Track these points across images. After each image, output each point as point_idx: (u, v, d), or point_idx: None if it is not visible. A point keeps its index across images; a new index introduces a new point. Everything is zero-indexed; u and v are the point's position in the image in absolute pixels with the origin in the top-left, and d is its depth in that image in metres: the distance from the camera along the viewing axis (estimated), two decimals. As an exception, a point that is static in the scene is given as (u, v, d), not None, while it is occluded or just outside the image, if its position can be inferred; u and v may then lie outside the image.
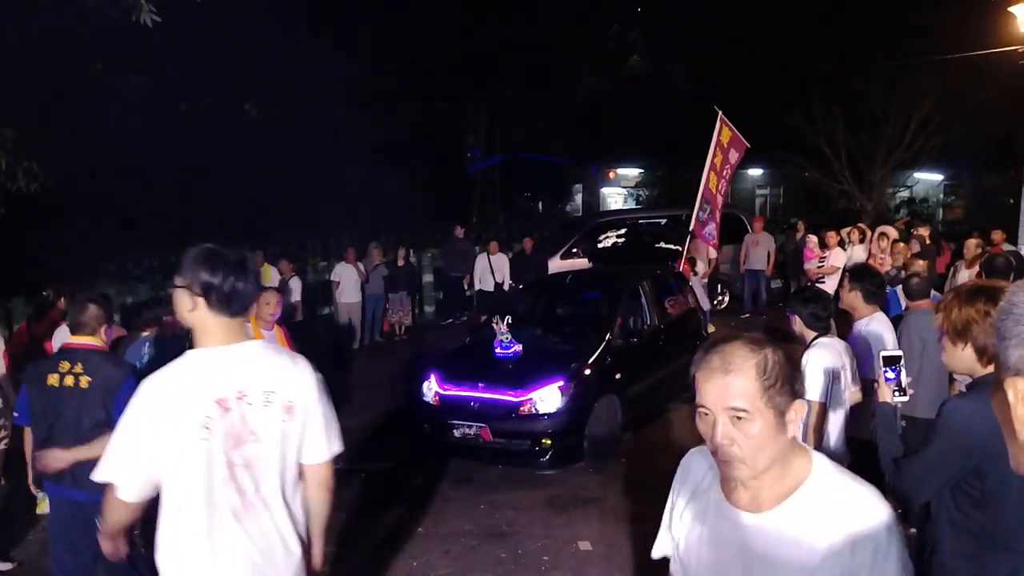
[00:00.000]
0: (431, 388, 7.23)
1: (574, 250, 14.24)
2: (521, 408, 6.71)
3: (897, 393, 3.10)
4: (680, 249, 11.57)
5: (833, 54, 18.64)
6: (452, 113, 24.25)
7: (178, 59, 16.81)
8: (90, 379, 3.78)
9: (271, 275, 12.15)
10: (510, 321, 7.69)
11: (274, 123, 20.29)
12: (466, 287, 14.26)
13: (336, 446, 2.58)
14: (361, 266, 12.55)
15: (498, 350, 7.39)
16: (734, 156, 11.65)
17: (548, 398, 6.71)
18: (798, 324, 4.47)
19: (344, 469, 7.11)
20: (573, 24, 25.24)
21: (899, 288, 6.92)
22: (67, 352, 3.94)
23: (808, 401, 4.24)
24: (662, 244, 13.18)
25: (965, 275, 8.79)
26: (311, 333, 12.95)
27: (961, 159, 22.58)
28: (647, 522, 2.24)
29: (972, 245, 8.88)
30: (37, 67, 9.22)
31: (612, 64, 31.29)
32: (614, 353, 7.39)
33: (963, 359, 2.56)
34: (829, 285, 10.67)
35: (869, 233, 11.41)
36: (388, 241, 17.55)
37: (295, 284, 11.82)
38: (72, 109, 10.41)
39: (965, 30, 14.43)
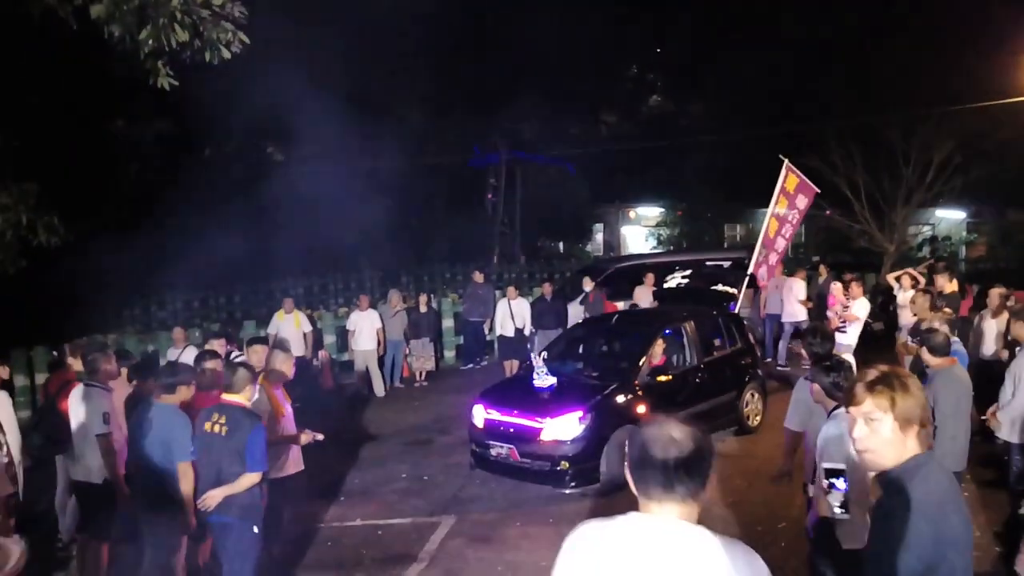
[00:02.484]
0: (480, 414, 8.25)
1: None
2: (543, 433, 7.67)
3: (839, 510, 2.99)
4: (736, 292, 11.72)
5: (853, 97, 18.67)
6: (472, 153, 24.43)
7: (201, 105, 17.14)
8: (228, 428, 4.84)
9: (301, 321, 12.19)
10: (546, 356, 8.83)
11: (297, 165, 20.58)
12: (487, 332, 14.26)
13: None
14: (378, 314, 12.56)
15: (535, 381, 8.30)
16: (803, 202, 11.80)
17: (568, 425, 7.62)
18: (818, 393, 4.45)
19: (359, 525, 7.13)
20: (593, 65, 25.42)
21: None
22: (219, 407, 5.01)
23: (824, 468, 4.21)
24: (719, 286, 13.44)
25: (991, 324, 8.68)
26: (336, 383, 13.01)
27: (983, 196, 22.37)
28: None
29: (996, 295, 8.75)
30: (58, 124, 9.44)
31: (632, 104, 31.49)
32: (642, 388, 8.24)
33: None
34: (851, 335, 10.54)
35: (922, 280, 11.09)
36: (408, 285, 17.65)
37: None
38: (93, 162, 10.64)
39: (985, 74, 14.42)
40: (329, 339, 13.87)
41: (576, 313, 13.42)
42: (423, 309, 13.45)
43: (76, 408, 5.63)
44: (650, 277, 13.56)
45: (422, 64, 20.05)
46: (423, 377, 13.39)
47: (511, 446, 7.82)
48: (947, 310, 8.92)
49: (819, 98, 20.10)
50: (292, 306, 12.20)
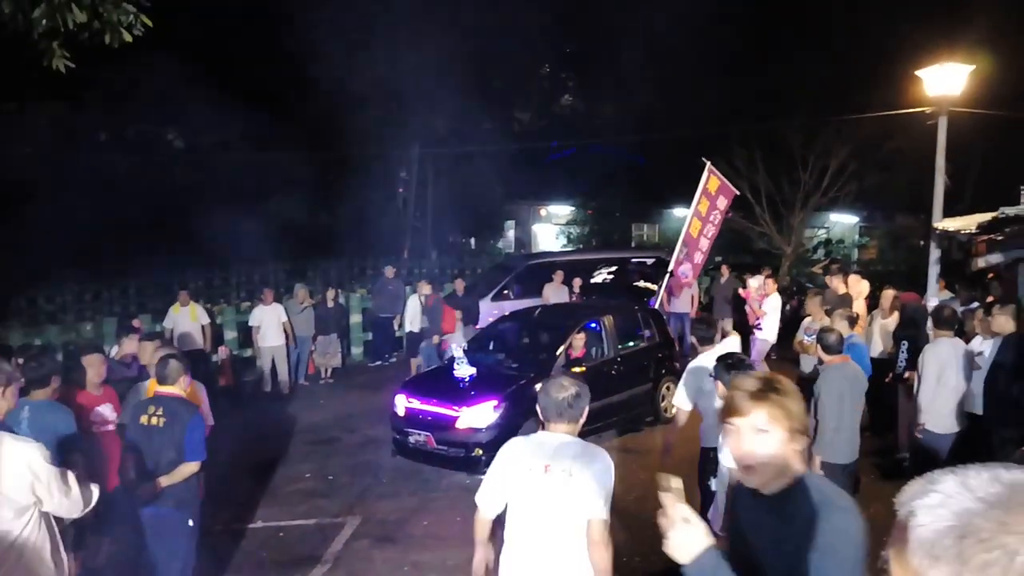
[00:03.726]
0: (401, 403, 8.50)
1: (505, 291, 14.25)
2: (459, 421, 7.96)
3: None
4: (656, 288, 12.01)
5: (756, 103, 19.28)
6: (383, 147, 24.11)
7: (100, 88, 16.33)
8: (166, 419, 4.82)
9: (198, 314, 11.77)
10: (465, 347, 9.17)
11: (199, 153, 19.86)
12: (396, 328, 14.07)
13: None
14: (283, 308, 12.24)
15: (455, 372, 8.60)
16: (723, 203, 12.12)
17: (483, 413, 7.93)
18: (721, 390, 4.58)
19: (260, 527, 6.91)
20: (507, 63, 25.45)
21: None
22: (155, 399, 5.01)
23: (729, 469, 4.32)
24: (642, 283, 13.98)
25: (883, 324, 9.11)
26: (237, 380, 12.60)
27: (875, 202, 23.52)
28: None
29: (889, 296, 9.18)
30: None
31: (545, 103, 31.74)
32: None
33: None
34: (768, 331, 10.96)
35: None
36: (315, 279, 17.23)
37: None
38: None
39: (880, 86, 15.14)
40: (230, 334, 13.40)
41: (488, 310, 13.40)
42: (330, 304, 13.16)
43: None
44: (559, 274, 13.65)
45: (333, 55, 19.67)
46: (329, 374, 13.11)
47: (428, 433, 8.10)
48: (842, 310, 9.31)
49: (724, 103, 20.67)
50: (188, 298, 11.79)
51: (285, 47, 18.31)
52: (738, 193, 12.72)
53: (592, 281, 14.21)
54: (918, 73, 11.18)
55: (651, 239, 29.74)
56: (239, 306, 14.30)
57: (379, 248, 20.51)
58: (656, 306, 11.82)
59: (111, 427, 5.52)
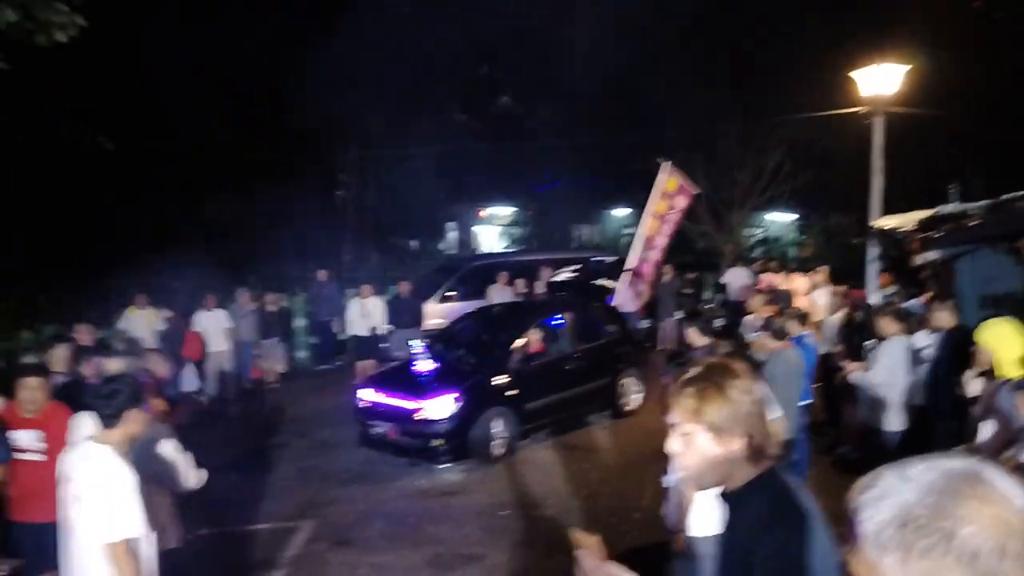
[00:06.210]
0: (365, 396, 8.92)
1: (450, 293, 14.19)
2: (418, 413, 8.29)
3: None
4: (611, 286, 12.23)
5: (695, 100, 19.62)
6: (322, 148, 23.82)
7: (21, 87, 15.75)
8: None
9: (153, 319, 11.45)
10: (428, 343, 9.58)
11: (133, 155, 19.33)
12: (336, 331, 13.86)
13: None
14: (225, 314, 11.95)
15: (417, 366, 8.97)
16: (682, 202, 12.25)
17: (442, 406, 8.26)
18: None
19: (216, 533, 6.75)
20: (443, 62, 25.39)
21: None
22: None
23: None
24: (601, 281, 14.51)
25: (830, 320, 9.33)
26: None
27: (811, 201, 24.12)
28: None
29: (840, 292, 9.45)
30: None
31: (483, 103, 31.70)
32: (514, 373, 8.89)
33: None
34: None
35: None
36: (258, 283, 16.89)
37: None
38: None
39: (814, 87, 15.53)
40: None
41: (433, 312, 13.35)
42: (270, 308, 12.91)
43: None
44: (503, 276, 13.62)
45: (267, 54, 19.39)
46: (274, 379, 12.86)
47: (389, 425, 8.50)
48: (791, 309, 9.53)
49: (665, 103, 20.97)
50: (145, 302, 11.48)
51: (220, 48, 17.98)
52: (699, 191, 12.91)
53: (555, 280, 14.45)
54: (852, 75, 11.48)
55: (590, 240, 30.03)
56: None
57: (318, 251, 20.25)
58: (613, 304, 12.07)
59: (32, 456, 4.89)
